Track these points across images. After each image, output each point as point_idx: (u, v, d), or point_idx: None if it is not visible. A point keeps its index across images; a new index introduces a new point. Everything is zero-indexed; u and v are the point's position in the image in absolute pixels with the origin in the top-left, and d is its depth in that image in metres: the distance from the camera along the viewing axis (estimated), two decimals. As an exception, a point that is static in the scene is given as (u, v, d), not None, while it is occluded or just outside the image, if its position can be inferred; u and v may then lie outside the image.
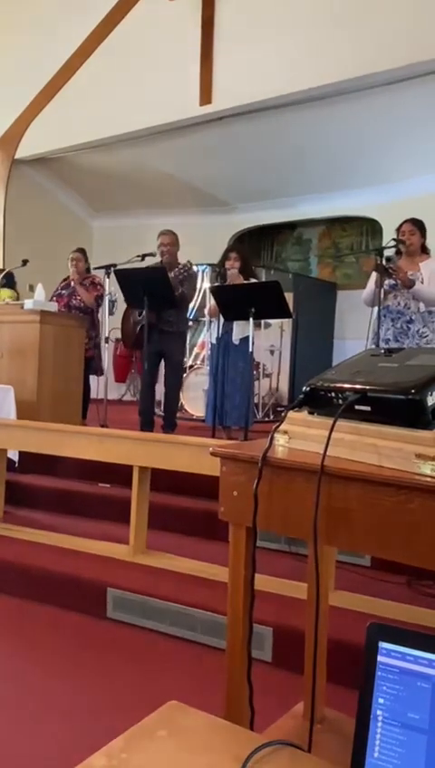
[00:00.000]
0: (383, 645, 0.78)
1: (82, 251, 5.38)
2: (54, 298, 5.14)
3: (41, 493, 3.94)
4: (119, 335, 7.73)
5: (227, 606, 1.31)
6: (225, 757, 0.91)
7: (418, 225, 3.94)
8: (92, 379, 5.26)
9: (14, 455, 3.87)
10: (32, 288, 5.53)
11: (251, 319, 4.16)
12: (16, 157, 7.56)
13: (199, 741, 0.95)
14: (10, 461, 3.78)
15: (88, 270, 5.35)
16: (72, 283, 5.19)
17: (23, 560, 2.98)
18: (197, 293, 6.14)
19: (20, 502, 3.86)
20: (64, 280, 5.35)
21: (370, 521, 1.09)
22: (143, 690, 2.08)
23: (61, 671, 2.21)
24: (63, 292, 5.24)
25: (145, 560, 2.96)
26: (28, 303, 4.73)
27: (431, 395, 1.06)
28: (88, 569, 2.85)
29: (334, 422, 1.13)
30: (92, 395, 5.33)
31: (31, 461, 4.00)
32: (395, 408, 1.09)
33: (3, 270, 5.72)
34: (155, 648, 2.41)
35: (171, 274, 4.43)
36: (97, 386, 5.24)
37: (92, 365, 5.21)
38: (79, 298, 5.15)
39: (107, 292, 4.92)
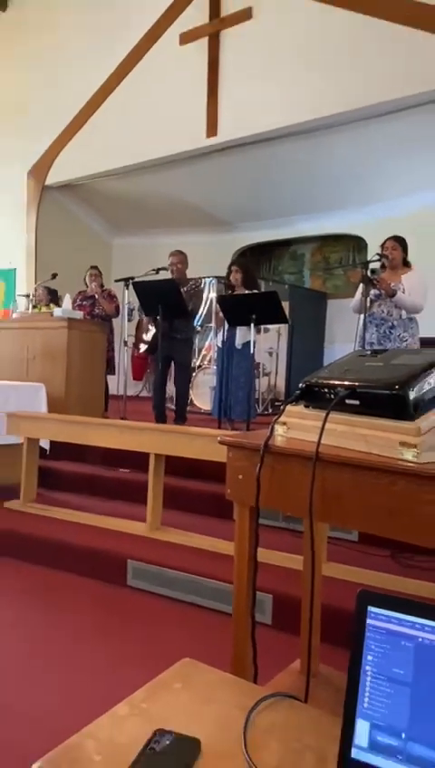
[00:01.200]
0: (372, 609, 0.78)
1: (96, 268, 5.46)
2: (76, 308, 5.18)
3: (69, 477, 3.96)
4: (135, 340, 7.80)
5: (233, 576, 1.31)
6: (232, 707, 0.91)
7: (399, 242, 3.92)
8: (110, 377, 5.30)
9: (45, 443, 3.88)
10: (61, 298, 5.55)
11: (252, 324, 4.16)
12: (46, 183, 7.58)
13: (210, 693, 0.95)
14: (42, 449, 3.80)
15: (102, 284, 5.41)
16: (96, 296, 5.25)
17: (54, 535, 2.99)
18: (203, 303, 6.21)
19: (51, 485, 3.88)
20: (81, 293, 5.40)
21: (358, 501, 1.09)
22: (159, 648, 2.09)
23: (87, 631, 2.22)
24: (84, 302, 5.31)
25: (160, 535, 2.96)
26: (57, 312, 4.76)
27: (413, 390, 1.06)
28: (110, 543, 2.86)
29: (327, 414, 1.13)
30: (113, 392, 5.36)
31: (60, 449, 4.01)
32: (381, 401, 1.09)
33: (44, 286, 5.74)
34: (169, 612, 2.42)
35: (183, 289, 4.44)
36: (117, 384, 5.26)
37: (109, 365, 5.26)
38: (101, 308, 5.22)
39: (126, 302, 4.94)
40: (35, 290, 5.87)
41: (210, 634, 2.20)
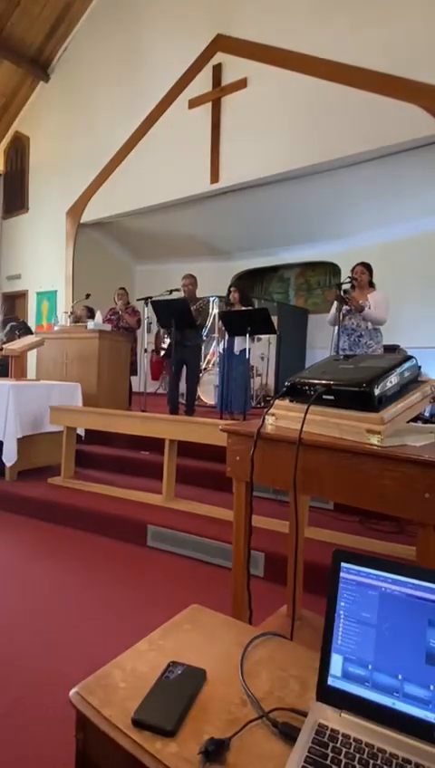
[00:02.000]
0: (345, 565, 0.78)
1: (123, 289, 5.51)
2: (106, 322, 5.18)
3: (100, 458, 3.96)
4: (153, 347, 7.81)
5: (232, 537, 1.31)
6: (232, 643, 0.91)
7: (366, 267, 3.90)
8: (133, 377, 5.32)
9: (81, 431, 3.89)
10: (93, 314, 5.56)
11: (247, 335, 4.15)
12: (81, 221, 7.57)
13: (214, 632, 0.95)
14: (78, 435, 3.80)
15: (128, 302, 5.40)
16: (120, 312, 5.25)
17: (88, 505, 2.99)
18: (209, 318, 6.19)
19: (86, 464, 3.89)
20: (111, 309, 5.41)
21: (333, 477, 1.08)
22: (172, 596, 2.09)
23: (115, 582, 2.23)
24: (112, 317, 5.31)
25: (174, 505, 2.96)
26: (90, 325, 4.75)
27: (377, 387, 1.06)
28: (133, 511, 2.86)
29: (308, 407, 1.13)
30: (135, 389, 5.36)
31: (93, 436, 4.02)
32: (352, 396, 1.09)
33: (84, 305, 5.75)
34: (181, 567, 2.42)
35: (193, 307, 4.43)
36: (137, 383, 5.27)
37: (133, 368, 5.26)
38: (125, 321, 5.21)
39: (146, 317, 4.93)
40: (72, 308, 5.88)
41: (214, 585, 2.20)
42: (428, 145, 4.66)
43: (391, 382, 1.08)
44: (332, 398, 1.13)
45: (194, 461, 3.49)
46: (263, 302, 7.54)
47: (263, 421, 1.25)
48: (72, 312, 5.79)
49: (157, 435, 3.02)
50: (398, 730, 0.69)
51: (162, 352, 6.85)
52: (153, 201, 6.65)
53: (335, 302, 3.84)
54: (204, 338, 6.28)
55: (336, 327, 3.81)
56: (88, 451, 4.00)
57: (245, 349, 4.32)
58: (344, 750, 0.66)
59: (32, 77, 7.99)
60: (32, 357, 4.96)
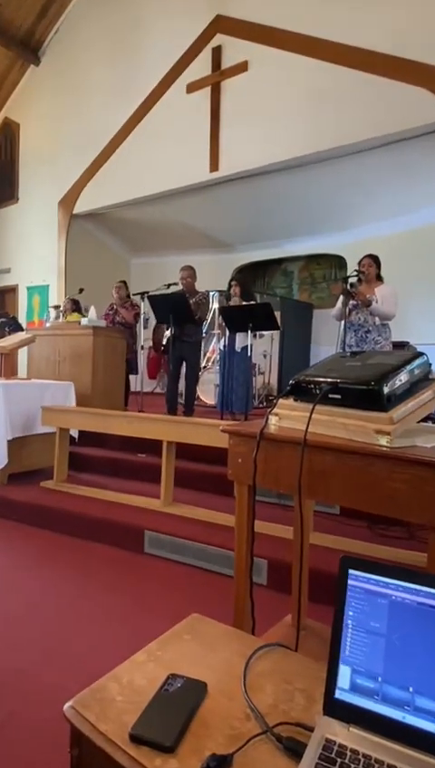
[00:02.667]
0: (352, 572, 0.77)
1: (123, 282, 5.45)
2: (103, 317, 5.18)
3: (95, 460, 3.96)
4: (151, 344, 7.81)
5: (234, 543, 1.31)
6: (234, 655, 0.91)
7: (374, 259, 3.90)
8: (131, 376, 5.29)
9: (74, 432, 3.89)
10: (86, 310, 5.54)
11: (249, 331, 4.14)
12: (74, 212, 7.56)
13: (215, 643, 0.95)
14: (72, 437, 3.80)
15: (128, 296, 5.37)
16: (116, 306, 5.23)
17: (82, 510, 2.99)
18: (209, 313, 6.17)
19: (79, 467, 3.89)
20: (111, 304, 5.37)
21: (341, 480, 1.08)
22: (172, 605, 2.09)
23: (111, 591, 2.23)
24: (109, 312, 5.29)
25: (172, 510, 2.96)
26: (84, 321, 4.75)
27: (387, 385, 1.05)
28: (130, 516, 2.86)
29: (314, 406, 1.13)
30: (131, 388, 5.34)
31: (87, 437, 4.01)
32: (359, 395, 1.08)
33: (76, 300, 5.74)
34: (180, 575, 2.42)
35: (192, 300, 4.42)
36: (135, 382, 5.25)
37: (131, 366, 5.23)
38: (121, 316, 5.18)
39: (142, 312, 4.91)
40: (63, 304, 5.87)
41: (215, 593, 2.20)
42: (438, 131, 4.66)
43: (400, 380, 1.08)
44: (338, 396, 1.12)
45: (193, 463, 3.49)
46: (265, 296, 7.53)
47: (266, 421, 1.25)
48: (57, 307, 5.77)
49: (154, 436, 3.02)
50: (409, 745, 0.68)
51: (162, 348, 6.84)
52: (150, 191, 6.64)
53: (341, 297, 3.84)
54: (204, 334, 6.27)
55: (342, 322, 3.81)
56: (82, 453, 4.00)
57: (246, 346, 4.32)
58: (353, 766, 0.66)
59: (21, 60, 7.97)
60: (22, 355, 4.96)
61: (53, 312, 5.81)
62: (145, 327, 5.59)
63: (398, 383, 1.07)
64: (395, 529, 2.58)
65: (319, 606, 1.71)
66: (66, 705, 0.79)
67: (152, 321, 6.76)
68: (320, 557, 1.96)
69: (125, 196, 6.93)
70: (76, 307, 5.64)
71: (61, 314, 5.63)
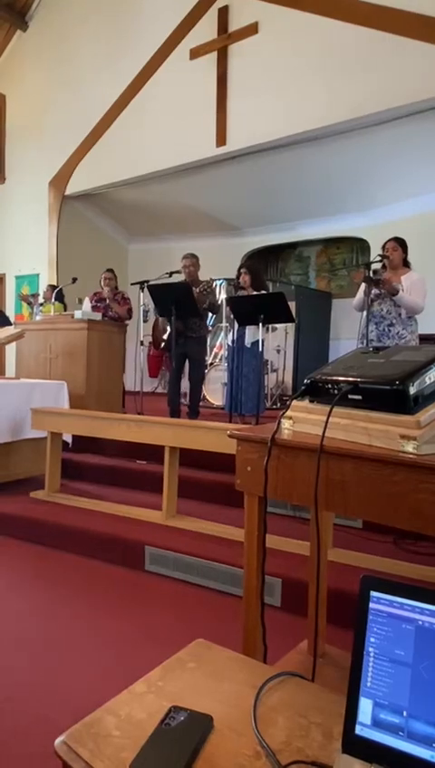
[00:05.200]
0: (374, 593, 0.77)
1: (111, 271, 5.32)
2: (93, 310, 5.14)
3: (90, 468, 3.98)
4: (150, 339, 7.81)
5: (243, 560, 1.31)
6: (243, 685, 0.91)
7: (400, 243, 3.87)
8: (128, 375, 5.28)
9: (68, 437, 3.91)
10: (80, 301, 5.54)
11: (261, 324, 4.14)
12: (66, 193, 7.60)
13: (222, 672, 0.95)
14: (65, 442, 3.82)
15: (116, 287, 5.33)
16: (108, 299, 5.18)
17: (77, 523, 3.01)
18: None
19: (73, 476, 3.91)
20: (96, 294, 5.27)
21: (361, 490, 1.08)
22: (175, 629, 2.09)
23: (108, 614, 2.24)
24: (98, 304, 5.20)
25: (175, 523, 2.97)
26: (78, 314, 4.75)
27: (413, 385, 1.05)
28: (129, 530, 2.87)
29: (331, 409, 1.12)
30: (130, 388, 5.35)
31: (82, 442, 4.03)
32: (382, 396, 1.08)
33: (55, 286, 5.72)
34: (184, 595, 2.42)
35: (196, 290, 4.42)
36: (134, 381, 5.26)
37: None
38: (115, 310, 5.16)
39: (141, 304, 4.89)
40: (45, 291, 5.77)
41: (223, 616, 2.20)
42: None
43: (429, 379, 1.07)
44: (359, 397, 1.12)
45: (199, 472, 3.50)
46: (278, 285, 7.53)
47: (278, 425, 1.24)
48: (35, 295, 5.67)
49: (155, 441, 3.02)
50: (438, 788, 0.68)
51: (164, 343, 6.84)
52: (150, 168, 6.65)
53: (363, 285, 3.82)
54: (210, 327, 6.28)
55: (364, 314, 3.79)
56: (76, 460, 4.02)
57: (258, 340, 4.32)
58: (375, 810, 0.66)
59: (8, 25, 8.01)
60: (10, 351, 4.99)
61: (25, 305, 5.66)
62: (145, 321, 5.58)
63: (427, 382, 1.07)
64: (424, 544, 2.57)
65: (339, 630, 1.71)
66: (57, 741, 0.79)
67: (152, 315, 6.77)
68: (340, 575, 1.96)
69: (122, 175, 6.96)
70: (57, 297, 5.50)
71: (38, 307, 5.54)
